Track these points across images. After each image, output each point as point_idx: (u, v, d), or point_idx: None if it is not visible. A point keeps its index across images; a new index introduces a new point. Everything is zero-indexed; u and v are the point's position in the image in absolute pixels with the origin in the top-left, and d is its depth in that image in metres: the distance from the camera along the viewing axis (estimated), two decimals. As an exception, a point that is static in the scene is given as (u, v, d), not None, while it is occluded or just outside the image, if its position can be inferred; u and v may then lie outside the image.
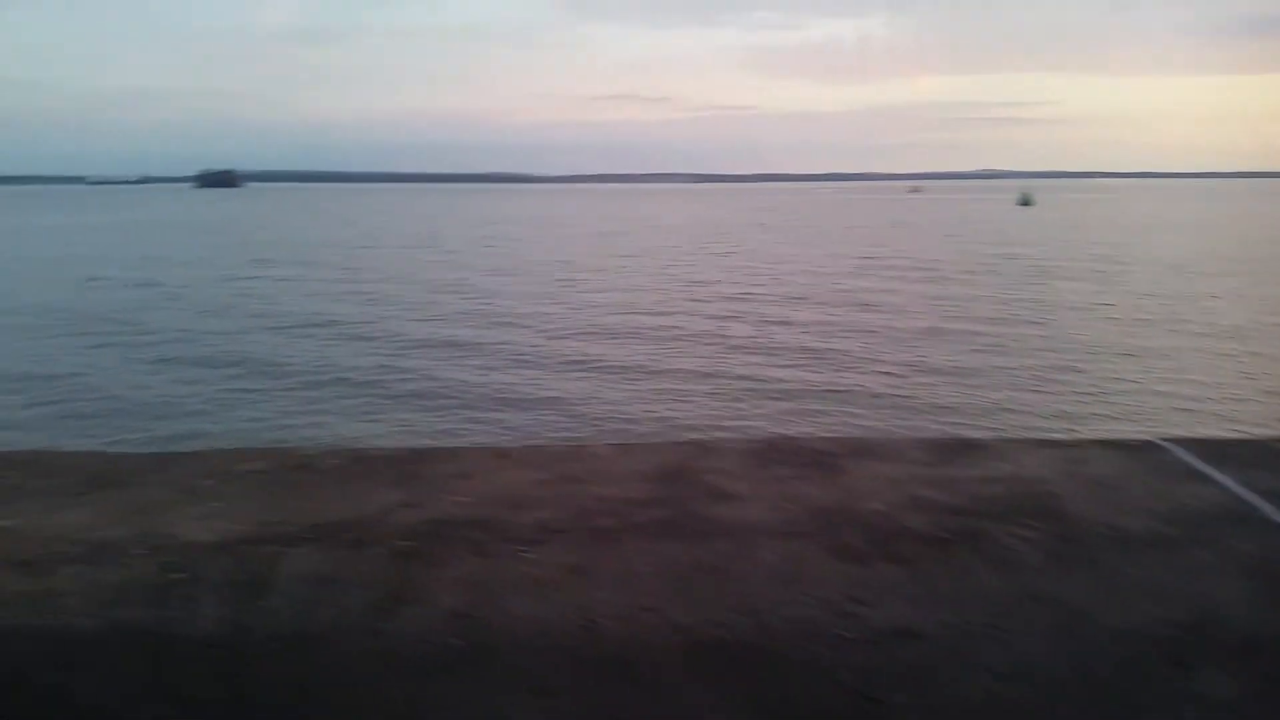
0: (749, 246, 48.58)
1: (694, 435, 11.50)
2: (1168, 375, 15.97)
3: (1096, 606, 3.04)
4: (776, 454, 3.81)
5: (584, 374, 16.10)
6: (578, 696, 2.41)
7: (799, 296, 26.59)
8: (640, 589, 2.51)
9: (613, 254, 43.91)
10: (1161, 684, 2.72)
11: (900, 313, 23.34)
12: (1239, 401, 14.15)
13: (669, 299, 26.32)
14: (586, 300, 26.03)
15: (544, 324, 21.52)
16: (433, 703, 2.39)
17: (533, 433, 12.46)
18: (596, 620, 2.41)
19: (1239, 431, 11.54)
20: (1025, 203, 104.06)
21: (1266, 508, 4.15)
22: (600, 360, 17.19)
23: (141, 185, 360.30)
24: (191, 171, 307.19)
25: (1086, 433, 11.12)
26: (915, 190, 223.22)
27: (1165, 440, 5.52)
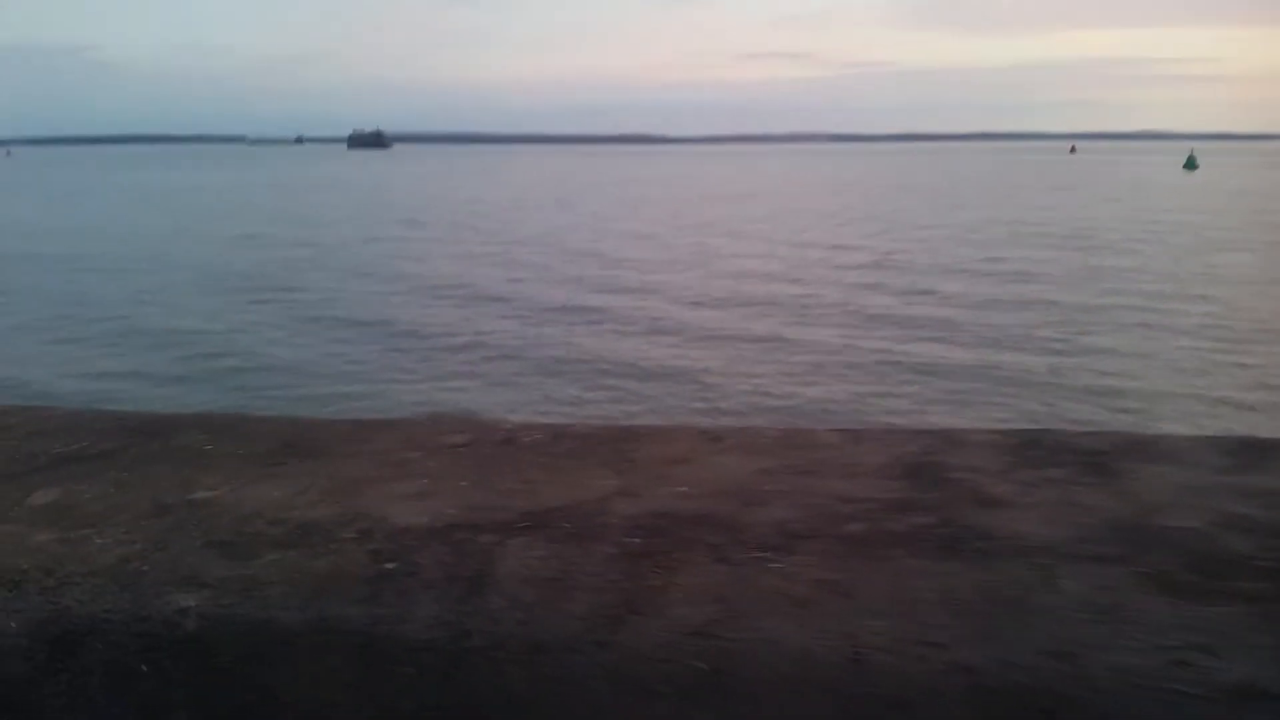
0: (892, 211, 46.90)
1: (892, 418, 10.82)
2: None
3: None
4: (1036, 450, 3.27)
5: (722, 345, 15.68)
6: (844, 742, 2.03)
7: (947, 266, 25.32)
8: (916, 617, 2.06)
9: (749, 218, 43.18)
10: None
11: (1059, 285, 21.92)
12: None
13: (806, 266, 25.53)
14: (722, 267, 25.50)
15: (680, 292, 21.18)
16: (669, 732, 2.05)
17: (673, 406, 12.12)
18: (864, 651, 1.98)
19: None
20: (1190, 166, 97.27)
21: None
22: (740, 332, 16.75)
23: (296, 145, 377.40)
24: (343, 132, 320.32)
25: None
26: (1073, 151, 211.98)
27: None
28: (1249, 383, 13.31)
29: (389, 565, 2.65)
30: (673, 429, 4.65)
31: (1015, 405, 12.04)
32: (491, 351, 15.31)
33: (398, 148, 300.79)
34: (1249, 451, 3.45)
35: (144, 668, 2.45)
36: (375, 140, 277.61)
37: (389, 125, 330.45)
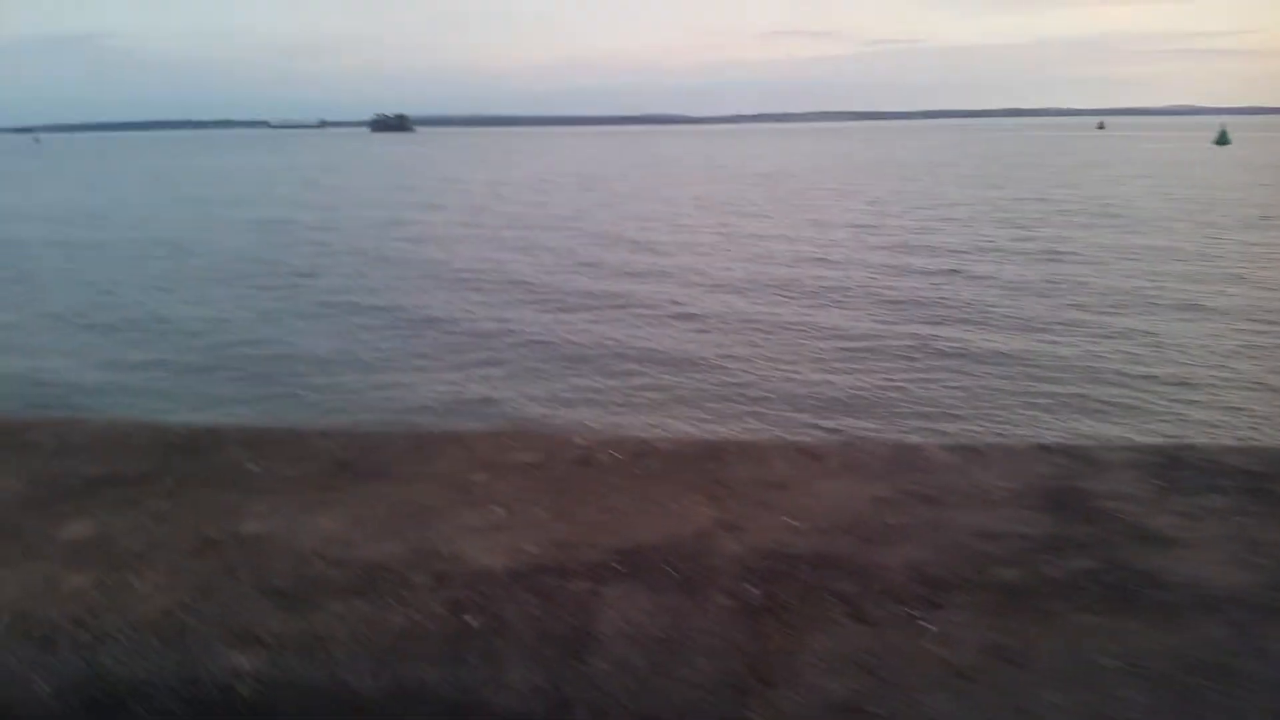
0: (918, 189, 46.00)
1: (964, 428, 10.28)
2: None
3: None
4: (1184, 471, 2.85)
5: (753, 331, 15.11)
6: None
7: (977, 246, 24.56)
8: (1107, 693, 1.66)
9: (772, 198, 42.43)
10: None
11: (1091, 265, 21.24)
12: None
13: (832, 247, 24.80)
14: (747, 249, 24.78)
15: (703, 275, 20.52)
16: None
17: (702, 397, 11.65)
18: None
19: None
20: (1222, 141, 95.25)
21: None
22: (769, 317, 16.09)
23: (320, 129, 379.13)
24: (366, 117, 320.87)
25: None
26: (1100, 127, 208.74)
27: None
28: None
29: (471, 619, 2.29)
30: (764, 445, 4.19)
31: (1059, 394, 11.51)
32: (516, 339, 14.84)
33: (421, 131, 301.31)
34: None
35: (195, 739, 2.14)
36: (398, 124, 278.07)
37: (412, 109, 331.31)
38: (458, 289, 19.25)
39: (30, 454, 4.21)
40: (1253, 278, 19.18)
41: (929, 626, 2.05)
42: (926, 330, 14.93)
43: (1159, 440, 9.41)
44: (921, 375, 12.51)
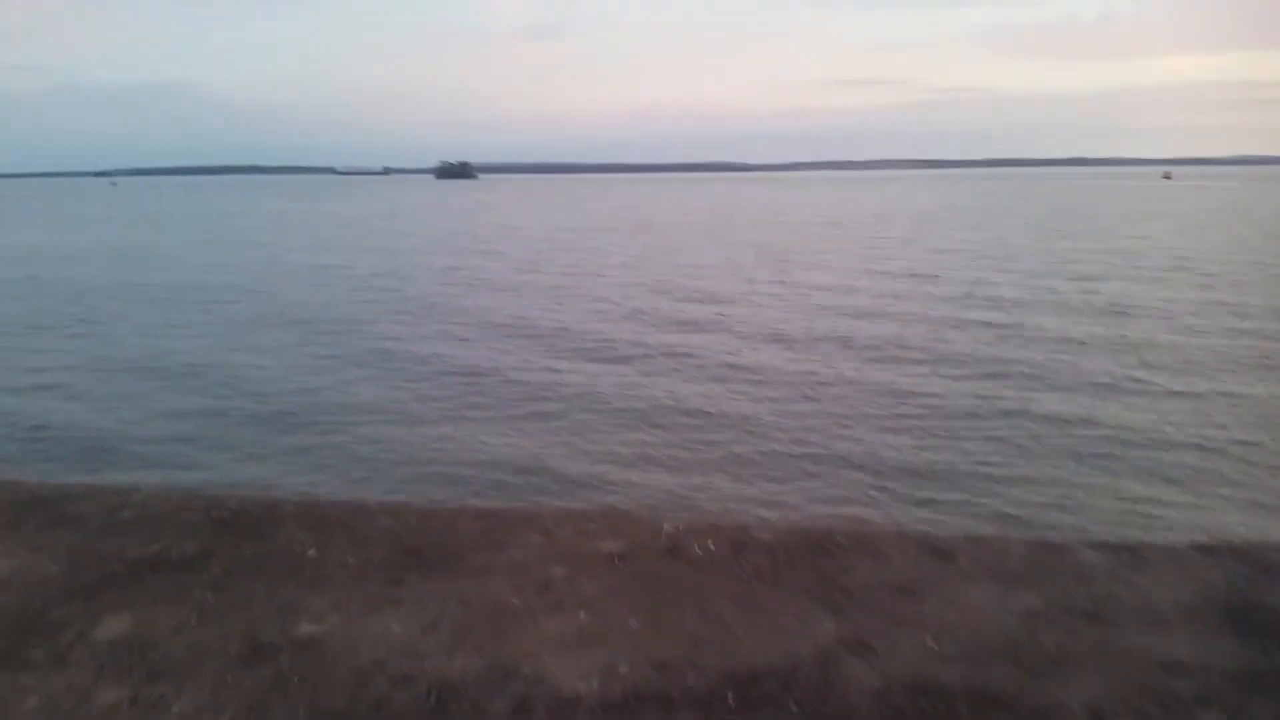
0: (984, 240, 45.16)
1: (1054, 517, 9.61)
2: None
3: None
4: None
5: (811, 389, 14.47)
6: None
7: (1043, 300, 23.73)
8: None
9: (832, 247, 41.90)
10: None
11: (1163, 320, 20.35)
12: None
13: (893, 299, 24.07)
14: (805, 301, 24.17)
15: (760, 327, 19.95)
16: None
17: (765, 462, 11.10)
18: None
19: None
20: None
21: None
22: (827, 375, 15.37)
23: (384, 176, 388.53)
24: (429, 164, 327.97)
25: None
26: (1167, 177, 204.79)
27: None
28: None
29: (562, 765, 1.91)
30: (878, 537, 3.64)
31: (1139, 464, 10.79)
32: (572, 392, 14.42)
33: (483, 178, 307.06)
34: None
35: None
36: (461, 171, 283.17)
37: (475, 156, 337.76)
38: (513, 338, 19.03)
39: (76, 529, 4.04)
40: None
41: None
42: (991, 389, 14.23)
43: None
44: (990, 438, 11.85)
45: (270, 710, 2.00)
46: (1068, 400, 13.77)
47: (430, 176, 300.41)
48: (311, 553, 3.22)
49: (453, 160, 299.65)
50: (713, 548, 2.96)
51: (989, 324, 20.11)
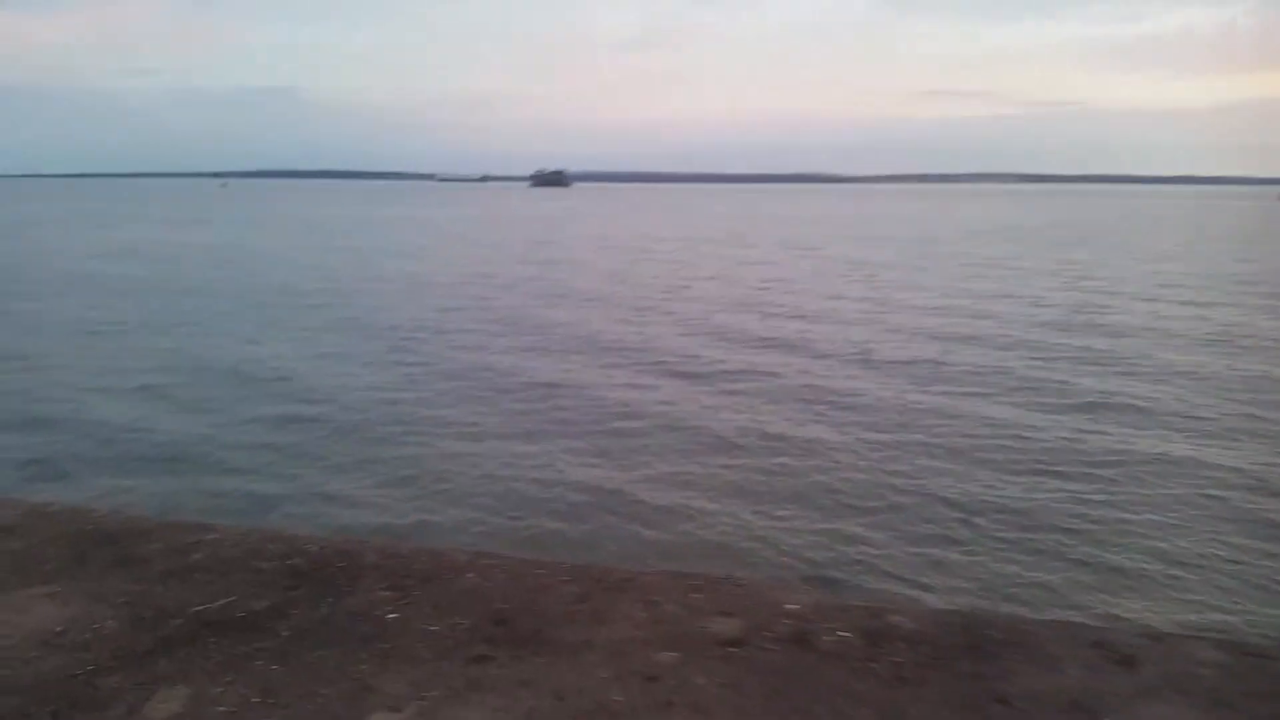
0: (1081, 259, 43.46)
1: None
2: None
3: None
4: None
5: (902, 421, 13.71)
6: None
7: (1147, 326, 22.47)
8: None
9: (925, 264, 40.74)
10: None
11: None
12: None
13: (987, 321, 23.05)
14: (898, 320, 23.31)
15: (848, 349, 19.30)
16: None
17: (865, 513, 10.42)
18: None
19: None
20: None
21: None
22: (925, 406, 14.45)
23: (482, 183, 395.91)
24: (525, 171, 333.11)
25: None
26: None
27: None
28: None
29: None
30: (1039, 632, 3.06)
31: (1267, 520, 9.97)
32: (649, 414, 13.99)
33: (578, 186, 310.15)
34: None
35: None
36: (556, 179, 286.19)
37: (570, 165, 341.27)
38: (597, 353, 18.79)
39: (140, 574, 3.93)
40: None
41: None
42: (1098, 425, 13.35)
43: None
44: (1100, 487, 10.96)
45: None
46: (1199, 444, 12.62)
47: (526, 184, 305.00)
48: (392, 616, 3.01)
49: (548, 169, 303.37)
50: (845, 636, 2.64)
51: (1090, 351, 19.12)
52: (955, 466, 11.52)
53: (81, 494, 10.12)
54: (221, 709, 2.45)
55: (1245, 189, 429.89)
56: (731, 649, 2.50)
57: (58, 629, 4.39)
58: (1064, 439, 12.75)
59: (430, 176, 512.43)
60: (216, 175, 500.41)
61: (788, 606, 2.73)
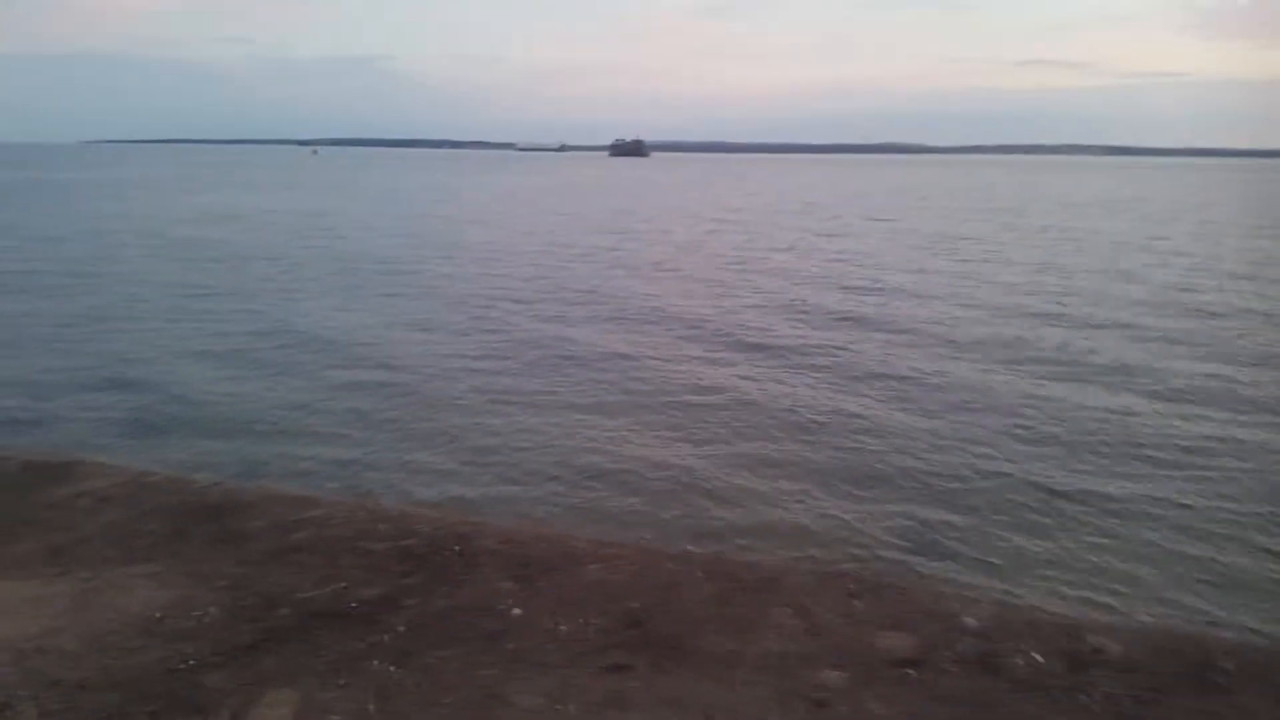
0: (1175, 233, 41.50)
1: None
2: None
3: None
4: None
5: (986, 406, 13.06)
6: None
7: (1249, 308, 21.22)
8: None
9: (1017, 238, 39.35)
10: None
11: None
12: None
13: (1076, 300, 22.00)
14: (986, 298, 22.39)
15: (932, 328, 18.66)
16: None
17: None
18: None
19: None
20: None
21: None
22: (1012, 392, 13.76)
23: (561, 153, 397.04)
24: (603, 141, 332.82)
25: None
26: None
27: None
28: None
29: None
30: (1274, 658, 2.81)
31: None
32: (725, 392, 13.59)
33: (656, 156, 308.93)
34: None
35: None
36: (635, 149, 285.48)
37: (648, 134, 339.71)
38: (671, 327, 18.46)
39: (242, 553, 3.70)
40: None
41: None
42: (1204, 413, 12.74)
43: None
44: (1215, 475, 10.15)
45: None
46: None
47: (604, 154, 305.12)
48: (516, 611, 2.75)
49: (626, 138, 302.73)
50: (1040, 660, 2.42)
51: (1189, 335, 18.32)
52: (1062, 454, 10.80)
53: (175, 456, 10.18)
54: (334, 718, 2.49)
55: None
56: (908, 670, 2.41)
57: (158, 614, 4.25)
58: (1186, 429, 11.96)
59: (511, 146, 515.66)
60: (306, 143, 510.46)
61: (966, 620, 2.34)
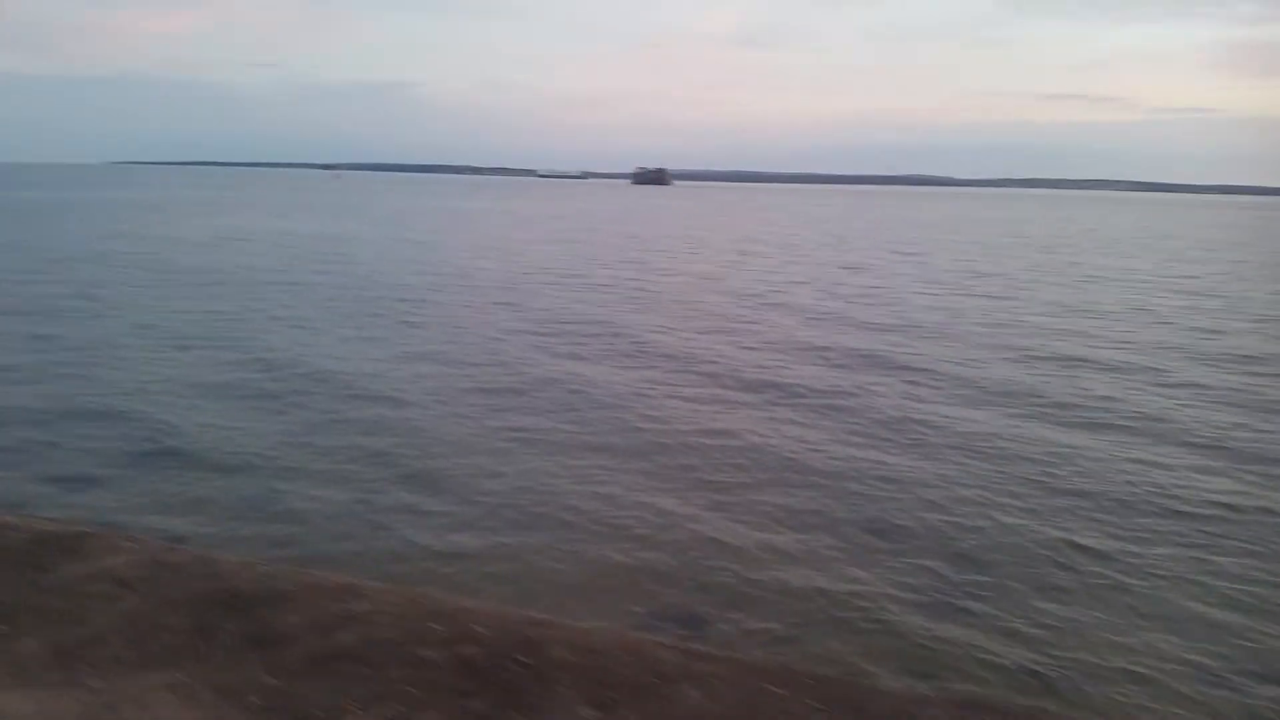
0: (1208, 271, 40.62)
1: None
2: None
3: None
4: None
5: (1028, 469, 12.12)
6: None
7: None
8: None
9: (1053, 277, 38.37)
10: None
11: None
12: None
13: (1113, 345, 21.12)
14: (1014, 339, 21.63)
15: (965, 372, 17.86)
16: None
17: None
18: None
19: None
20: None
21: None
22: (1051, 450, 12.71)
23: (582, 180, 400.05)
24: (625, 168, 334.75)
25: None
26: None
27: None
28: None
29: None
30: None
31: None
32: (739, 444, 12.87)
33: (679, 185, 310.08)
34: None
35: None
36: (657, 177, 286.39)
37: (672, 163, 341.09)
38: (689, 368, 17.58)
39: (278, 658, 3.28)
40: None
41: None
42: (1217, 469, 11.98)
43: None
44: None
45: None
46: None
47: (626, 182, 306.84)
48: None
49: (649, 166, 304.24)
50: None
51: (1217, 381, 17.46)
52: (1115, 518, 10.09)
53: (187, 500, 9.73)
54: None
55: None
56: None
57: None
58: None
59: (531, 173, 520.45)
60: (329, 167, 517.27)
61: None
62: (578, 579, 8.24)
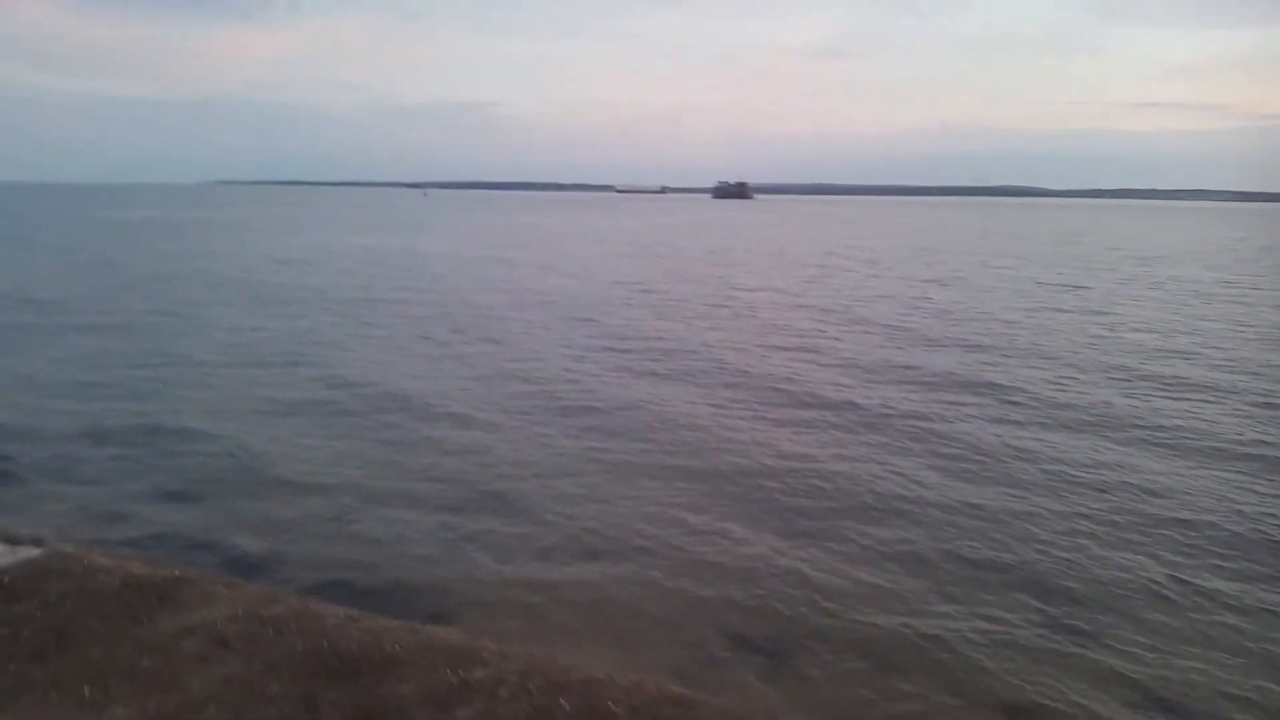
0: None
1: None
2: None
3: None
4: None
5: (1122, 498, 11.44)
6: None
7: None
8: None
9: (1154, 294, 36.79)
10: None
11: None
12: None
13: (1230, 368, 19.98)
14: (1104, 360, 20.45)
15: (1045, 391, 17.17)
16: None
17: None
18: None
19: None
20: None
21: None
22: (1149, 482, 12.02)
23: (660, 194, 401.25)
24: (706, 183, 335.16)
25: None
26: None
27: None
28: None
29: None
30: None
31: None
32: (810, 473, 12.47)
33: (760, 198, 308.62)
34: None
35: None
36: (738, 191, 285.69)
37: (753, 176, 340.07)
38: (766, 388, 17.38)
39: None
40: None
41: None
42: None
43: None
44: None
45: None
46: None
47: (706, 196, 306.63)
48: None
49: (730, 180, 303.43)
50: None
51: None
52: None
53: (267, 536, 9.60)
54: None
55: None
56: None
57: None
58: None
59: (610, 188, 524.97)
60: (417, 186, 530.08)
61: None
62: (659, 612, 8.07)
